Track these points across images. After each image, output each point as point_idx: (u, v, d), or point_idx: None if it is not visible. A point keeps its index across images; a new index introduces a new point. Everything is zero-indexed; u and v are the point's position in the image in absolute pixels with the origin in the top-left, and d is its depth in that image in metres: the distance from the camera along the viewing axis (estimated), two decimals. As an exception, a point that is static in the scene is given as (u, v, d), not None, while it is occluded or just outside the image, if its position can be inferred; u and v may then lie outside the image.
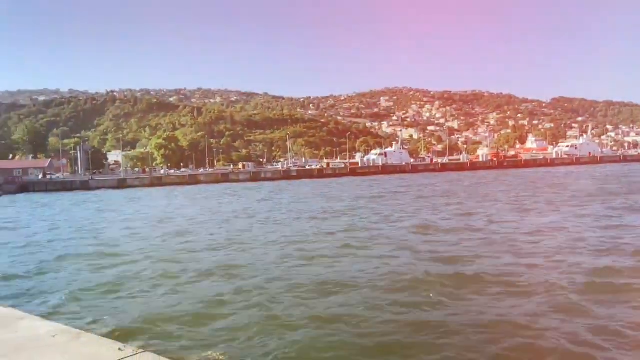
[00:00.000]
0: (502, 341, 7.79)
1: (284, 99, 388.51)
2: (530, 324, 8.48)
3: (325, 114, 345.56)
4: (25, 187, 79.59)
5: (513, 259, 13.55)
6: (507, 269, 12.34)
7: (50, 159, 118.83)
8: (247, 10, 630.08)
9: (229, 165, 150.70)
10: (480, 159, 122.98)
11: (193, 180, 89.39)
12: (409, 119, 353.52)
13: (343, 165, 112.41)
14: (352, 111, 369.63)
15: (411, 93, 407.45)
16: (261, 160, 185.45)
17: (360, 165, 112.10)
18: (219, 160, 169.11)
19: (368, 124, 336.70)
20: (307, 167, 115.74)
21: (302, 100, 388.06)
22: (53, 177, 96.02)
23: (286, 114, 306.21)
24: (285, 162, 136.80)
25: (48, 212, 39.58)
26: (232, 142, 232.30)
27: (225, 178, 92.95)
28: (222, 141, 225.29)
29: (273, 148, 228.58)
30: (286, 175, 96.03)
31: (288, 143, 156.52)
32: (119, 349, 4.62)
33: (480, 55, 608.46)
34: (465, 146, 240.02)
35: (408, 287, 10.99)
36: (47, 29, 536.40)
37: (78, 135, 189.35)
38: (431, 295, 10.24)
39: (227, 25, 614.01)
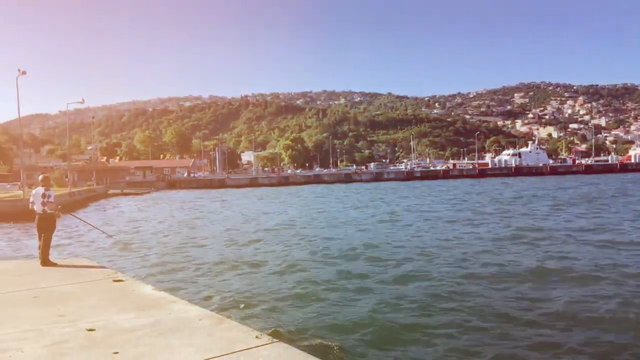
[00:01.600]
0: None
1: (408, 98, 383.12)
2: None
3: (452, 113, 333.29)
4: (173, 185, 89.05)
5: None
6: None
7: (193, 159, 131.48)
8: (370, 13, 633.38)
9: (352, 166, 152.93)
10: (633, 160, 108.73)
11: (317, 180, 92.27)
12: (547, 117, 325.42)
13: (471, 166, 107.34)
14: (482, 109, 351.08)
15: (550, 88, 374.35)
16: (384, 160, 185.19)
17: (490, 166, 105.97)
18: (342, 161, 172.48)
19: (499, 123, 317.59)
20: (432, 168, 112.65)
21: (427, 99, 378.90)
22: (196, 175, 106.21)
23: (410, 114, 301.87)
24: (409, 163, 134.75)
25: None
26: (355, 143, 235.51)
27: (348, 178, 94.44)
28: (345, 142, 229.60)
29: (396, 148, 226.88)
30: (409, 176, 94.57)
31: (412, 143, 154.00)
32: (256, 337, 4.88)
33: (632, 44, 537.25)
34: (614, 146, 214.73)
35: None
36: (187, 38, 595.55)
37: (216, 137, 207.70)
38: None
39: (351, 28, 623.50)
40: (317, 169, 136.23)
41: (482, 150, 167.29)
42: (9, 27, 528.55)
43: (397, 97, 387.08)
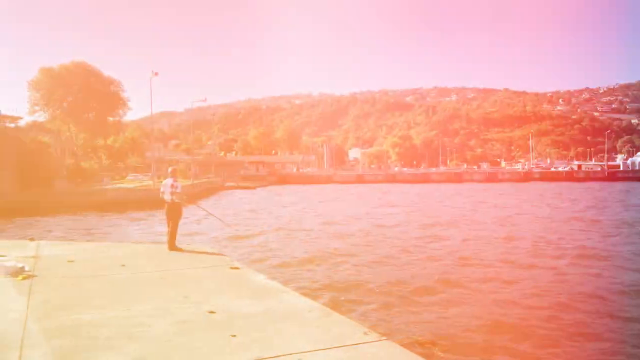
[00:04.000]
0: None
1: (527, 94, 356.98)
2: None
3: (578, 110, 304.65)
4: (283, 179, 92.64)
5: None
6: None
7: (302, 155, 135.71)
8: (485, 4, 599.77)
9: (462, 165, 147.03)
10: None
11: (425, 179, 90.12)
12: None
13: (599, 168, 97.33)
14: (613, 106, 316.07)
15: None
16: (498, 160, 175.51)
17: (622, 168, 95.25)
18: (451, 160, 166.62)
19: (634, 121, 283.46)
20: (553, 169, 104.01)
21: (549, 94, 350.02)
22: (304, 171, 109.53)
23: (529, 110, 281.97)
24: (526, 163, 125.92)
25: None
26: (466, 141, 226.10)
27: (458, 178, 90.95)
28: (455, 140, 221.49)
29: (512, 147, 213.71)
30: (527, 177, 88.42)
31: (530, 142, 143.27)
32: (364, 333, 4.87)
33: None
34: None
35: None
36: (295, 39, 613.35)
37: (325, 134, 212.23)
38: None
39: (464, 20, 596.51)
40: (422, 168, 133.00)
41: (613, 150, 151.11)
42: (141, 31, 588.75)
43: (515, 92, 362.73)
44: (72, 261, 8.65)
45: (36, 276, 7.32)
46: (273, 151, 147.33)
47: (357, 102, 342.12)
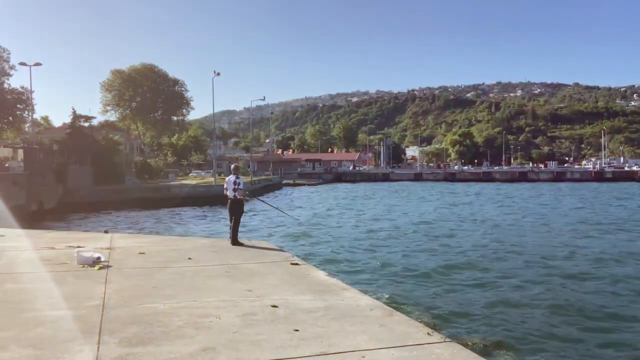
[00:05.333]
0: None
1: (599, 89, 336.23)
2: None
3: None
4: (339, 177, 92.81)
5: None
6: None
7: (359, 153, 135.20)
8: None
9: (527, 163, 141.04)
10: None
11: (487, 178, 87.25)
12: None
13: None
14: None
15: None
16: (566, 158, 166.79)
17: None
18: (515, 158, 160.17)
19: None
20: (627, 169, 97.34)
21: (623, 89, 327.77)
22: (360, 168, 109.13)
23: (601, 106, 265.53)
24: (597, 162, 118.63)
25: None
26: (532, 139, 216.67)
27: (522, 177, 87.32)
28: (520, 137, 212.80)
29: (582, 145, 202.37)
30: (598, 177, 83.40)
31: (602, 140, 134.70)
32: (428, 334, 4.79)
33: None
34: None
35: None
36: (357, 39, 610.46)
37: (382, 131, 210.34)
38: None
39: (527, 12, 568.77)
40: (483, 167, 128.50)
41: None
42: (203, 34, 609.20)
43: (586, 87, 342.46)
44: (143, 253, 9.13)
45: (111, 266, 7.79)
46: (329, 149, 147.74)
47: (416, 99, 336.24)
